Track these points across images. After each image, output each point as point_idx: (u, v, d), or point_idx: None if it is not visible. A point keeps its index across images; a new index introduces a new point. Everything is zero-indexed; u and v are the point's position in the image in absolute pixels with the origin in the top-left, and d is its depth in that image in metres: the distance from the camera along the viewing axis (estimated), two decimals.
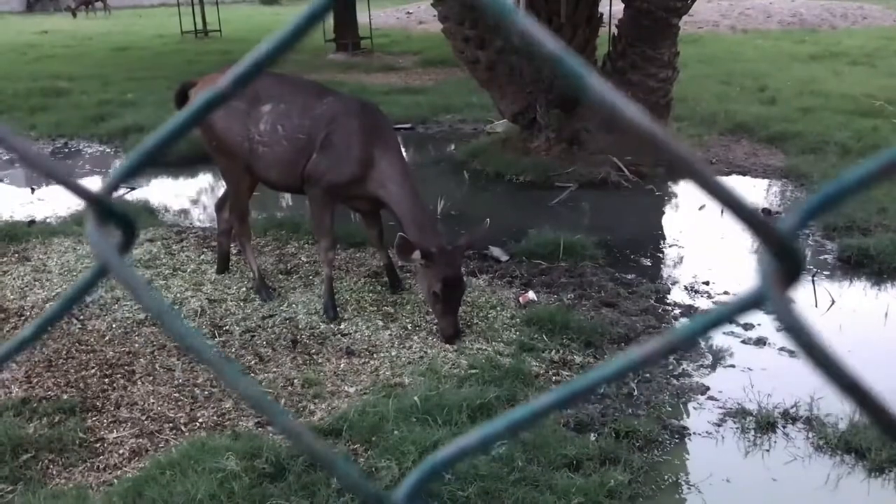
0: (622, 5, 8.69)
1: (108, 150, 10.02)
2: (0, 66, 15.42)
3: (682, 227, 7.04)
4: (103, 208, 0.48)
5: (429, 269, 4.52)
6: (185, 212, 7.53)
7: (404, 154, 5.00)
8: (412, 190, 4.72)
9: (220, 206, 5.59)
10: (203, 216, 7.41)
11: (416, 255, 4.45)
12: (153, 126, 9.56)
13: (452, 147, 9.91)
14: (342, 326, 4.87)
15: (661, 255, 6.41)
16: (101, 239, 0.48)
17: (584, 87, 0.38)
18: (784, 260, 0.37)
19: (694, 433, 3.91)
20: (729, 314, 0.40)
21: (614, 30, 9.05)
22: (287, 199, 7.80)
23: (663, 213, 7.68)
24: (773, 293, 0.37)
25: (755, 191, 7.94)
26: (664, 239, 6.79)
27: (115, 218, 0.48)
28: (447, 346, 4.62)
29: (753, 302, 0.37)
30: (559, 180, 8.03)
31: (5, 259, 5.94)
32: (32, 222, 6.86)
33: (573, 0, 8.39)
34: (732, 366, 4.53)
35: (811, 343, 0.36)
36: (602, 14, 9.09)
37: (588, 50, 8.65)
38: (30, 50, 19.43)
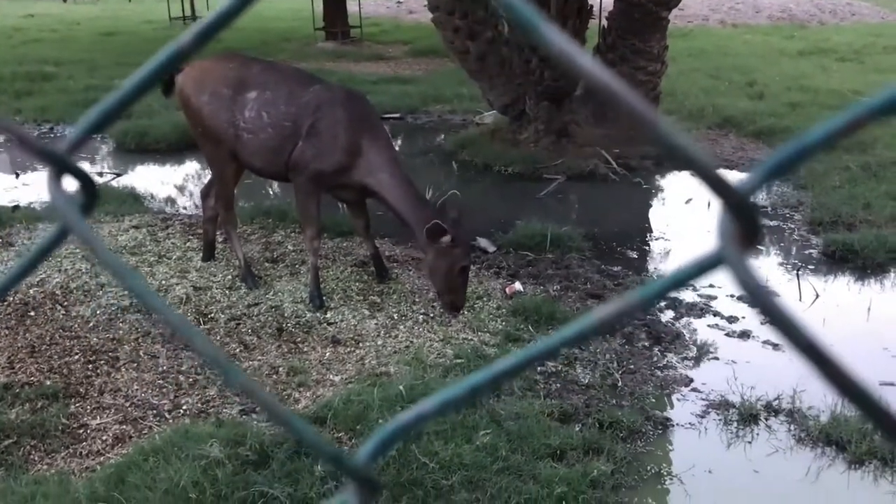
0: None
1: (94, 136, 9.92)
2: None
3: (668, 220, 7.07)
4: (64, 167, 0.47)
5: (452, 249, 4.58)
6: (170, 199, 7.48)
7: (392, 143, 5.00)
8: (404, 177, 4.73)
9: (205, 193, 5.56)
10: (189, 203, 7.37)
11: (446, 238, 4.51)
12: (141, 112, 9.52)
13: (441, 138, 9.89)
14: (328, 315, 4.87)
15: (647, 247, 6.43)
16: (62, 197, 0.47)
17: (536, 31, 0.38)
18: (742, 220, 0.37)
19: (677, 424, 3.93)
20: (688, 275, 0.40)
21: (604, 22, 9.04)
22: (274, 187, 7.77)
23: (650, 205, 7.70)
24: (731, 253, 0.37)
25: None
26: (651, 232, 6.82)
27: (77, 177, 0.47)
28: (432, 335, 4.62)
29: (713, 262, 0.37)
30: (547, 172, 8.04)
31: None
32: (17, 207, 6.81)
33: None
34: (716, 358, 4.56)
35: (768, 302, 0.36)
36: (592, 6, 9.09)
37: (578, 41, 8.64)
38: (16, 34, 19.25)
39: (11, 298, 4.98)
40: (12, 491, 3.14)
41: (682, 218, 7.02)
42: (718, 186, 0.37)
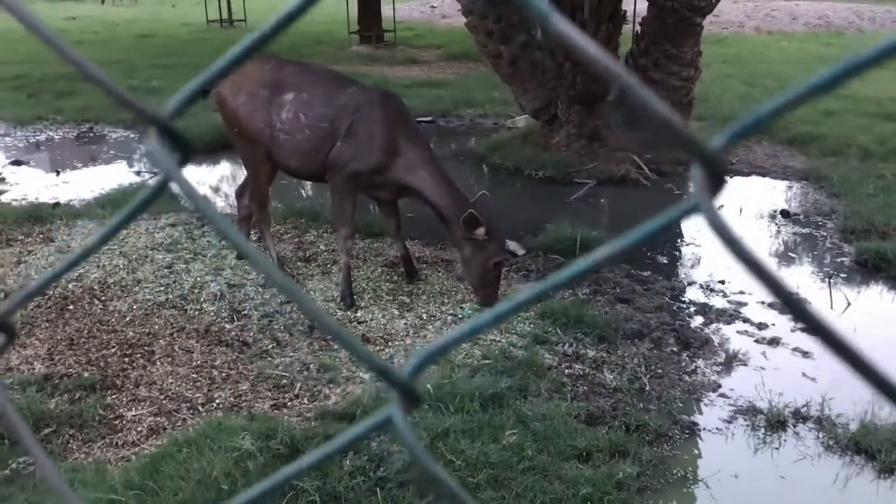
0: (646, 3, 8.68)
1: (133, 135, 10.13)
2: (28, 51, 15.59)
3: (699, 225, 7.04)
4: (166, 129, 0.54)
5: (488, 242, 4.68)
6: (206, 198, 7.60)
7: (428, 142, 5.08)
8: (442, 173, 4.82)
9: (240, 192, 5.67)
10: (224, 203, 7.49)
11: (481, 231, 4.60)
12: (180, 113, 9.72)
13: (472, 141, 9.94)
14: (358, 314, 4.94)
15: (677, 253, 6.42)
16: (164, 153, 0.53)
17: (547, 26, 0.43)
18: (711, 173, 0.43)
19: (704, 429, 3.93)
20: (669, 220, 0.46)
21: (637, 27, 9.03)
22: (307, 188, 7.87)
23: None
24: (703, 200, 0.43)
25: (774, 192, 7.92)
26: (681, 237, 6.80)
27: (175, 139, 0.54)
28: None
29: (689, 209, 0.44)
30: (578, 176, 8.05)
31: (30, 239, 6.05)
32: (57, 204, 6.97)
33: None
34: (745, 364, 4.55)
35: (734, 242, 0.42)
36: (626, 11, 9.09)
37: (611, 47, 8.65)
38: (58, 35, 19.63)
39: (51, 293, 5.11)
40: None
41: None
42: (691, 145, 0.42)
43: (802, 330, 4.94)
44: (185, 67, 13.55)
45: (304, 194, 7.81)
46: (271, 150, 4.98)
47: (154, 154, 0.54)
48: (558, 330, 4.76)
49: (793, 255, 6.42)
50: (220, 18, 22.15)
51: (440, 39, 18.57)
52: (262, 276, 5.35)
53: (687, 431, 3.92)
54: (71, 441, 3.63)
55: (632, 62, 8.81)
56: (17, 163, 8.69)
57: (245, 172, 5.58)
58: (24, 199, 7.18)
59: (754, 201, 7.48)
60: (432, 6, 26.56)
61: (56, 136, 10.13)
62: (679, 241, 6.71)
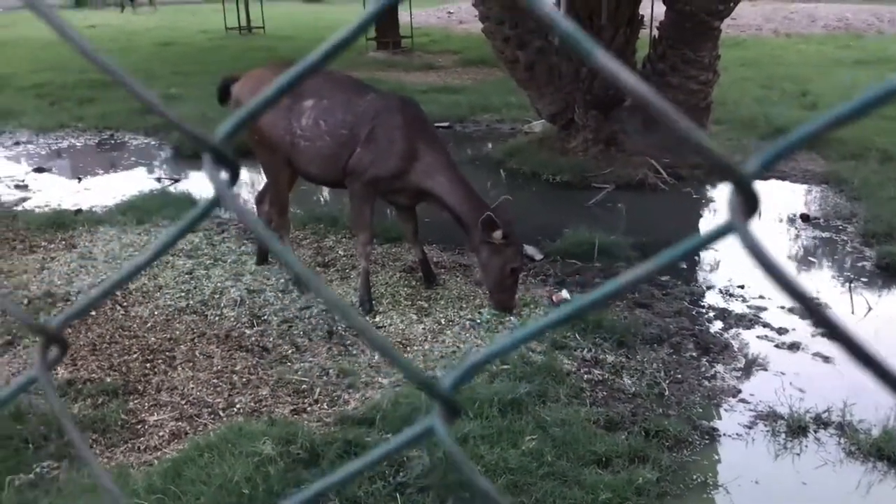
0: (664, 7, 8.67)
1: (153, 142, 10.22)
2: (50, 59, 15.78)
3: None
4: (218, 154, 0.56)
5: (505, 247, 4.74)
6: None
7: (447, 147, 5.10)
8: (460, 178, 4.86)
9: (259, 199, 5.71)
10: (246, 208, 7.53)
11: (498, 234, 4.63)
12: (199, 119, 9.78)
13: (489, 146, 9.95)
14: (377, 319, 4.95)
15: (696, 257, 6.39)
16: (217, 175, 0.56)
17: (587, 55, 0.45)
18: (746, 196, 0.44)
19: (724, 435, 3.92)
20: (705, 241, 0.47)
21: (655, 31, 9.02)
22: (325, 193, 7.91)
23: (700, 215, 7.65)
24: (738, 223, 0.44)
25: (794, 196, 7.87)
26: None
27: (226, 162, 0.57)
28: (479, 341, 4.68)
29: (724, 230, 0.45)
30: (596, 181, 8.04)
31: (53, 246, 6.12)
32: (79, 211, 7.04)
33: (614, 0, 8.40)
34: (765, 369, 4.53)
35: (769, 263, 0.43)
36: (643, 16, 9.07)
37: (628, 51, 8.65)
38: None
39: (74, 298, 5.17)
40: (75, 482, 3.28)
41: None
42: (727, 169, 0.44)
43: (823, 335, 4.92)
44: (204, 75, 13.66)
45: (322, 200, 7.85)
46: (291, 156, 5.01)
47: (209, 174, 0.56)
48: (577, 335, 4.76)
49: (813, 259, 6.38)
50: (239, 26, 22.31)
51: (457, 45, 18.62)
52: (286, 282, 5.39)
53: (707, 437, 3.90)
54: (94, 446, 3.67)
55: (649, 66, 8.79)
56: (39, 170, 8.79)
57: (264, 179, 5.62)
58: (46, 206, 7.26)
59: (774, 205, 7.44)
60: (449, 12, 26.63)
61: (77, 144, 10.24)
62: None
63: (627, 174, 8.14)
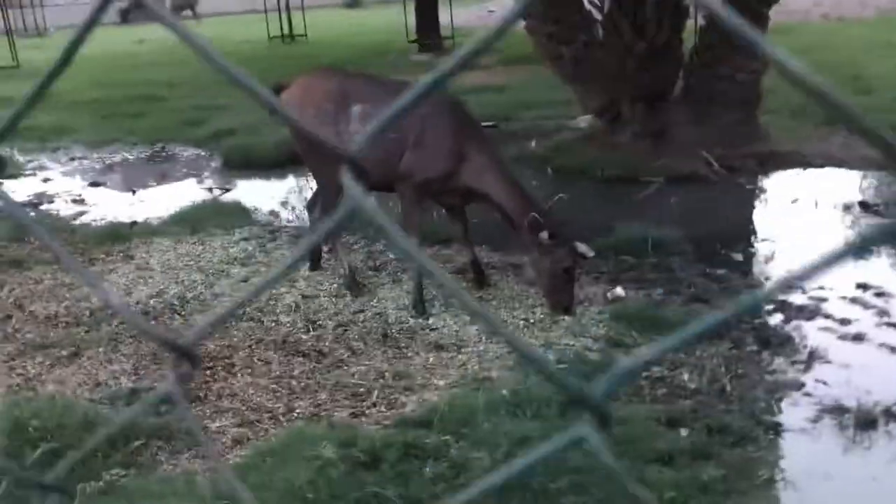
0: None
1: (203, 153, 10.38)
2: (100, 75, 16.13)
3: (773, 220, 6.88)
4: (353, 163, 0.57)
5: (556, 247, 4.67)
6: (276, 212, 7.74)
7: (496, 146, 5.07)
8: (510, 177, 4.83)
9: (311, 205, 5.76)
10: (293, 216, 7.61)
11: (544, 234, 4.57)
12: (246, 129, 9.91)
13: (535, 144, 9.90)
14: (430, 321, 4.96)
15: (752, 249, 6.28)
16: (355, 186, 0.57)
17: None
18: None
19: (789, 430, 3.83)
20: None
21: (701, 21, 8.88)
22: (373, 197, 7.95)
23: (754, 207, 7.52)
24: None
25: (852, 183, 7.68)
26: (756, 233, 6.65)
27: (358, 171, 0.57)
28: (534, 341, 4.65)
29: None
30: (645, 175, 7.94)
31: (111, 258, 6.26)
32: (134, 223, 7.19)
33: None
34: (829, 362, 4.41)
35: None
36: (688, 5, 8.94)
37: (675, 42, 8.53)
38: (127, 59, 20.29)
39: (133, 308, 5.28)
40: (144, 489, 3.34)
41: (788, 218, 6.82)
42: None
43: (888, 325, 4.79)
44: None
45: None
46: (342, 162, 5.04)
47: (347, 186, 0.57)
48: (633, 332, 4.71)
49: (873, 247, 6.20)
50: (282, 34, 22.55)
51: (499, 44, 18.50)
52: (338, 286, 5.42)
53: (771, 432, 3.82)
54: (159, 453, 3.74)
55: (696, 58, 8.66)
56: (94, 184, 9.01)
57: (314, 185, 5.67)
58: (102, 220, 7.43)
59: (831, 193, 7.27)
60: (490, 10, 26.58)
61: (130, 157, 10.46)
62: (753, 237, 6.56)
63: (677, 167, 8.02)
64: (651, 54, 8.26)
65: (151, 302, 5.34)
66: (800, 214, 6.90)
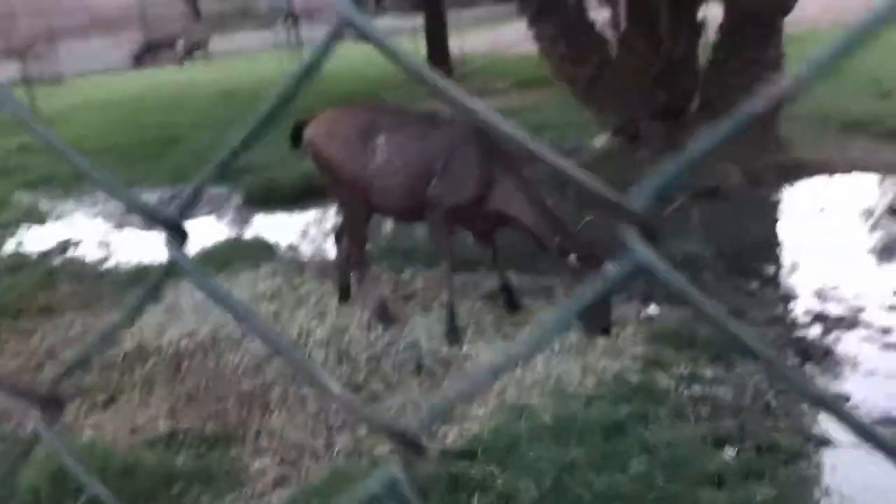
0: (720, 10, 8.52)
1: (223, 191, 10.40)
2: (114, 119, 16.32)
3: (801, 231, 6.81)
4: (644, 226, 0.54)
5: (584, 270, 4.58)
6: (301, 246, 7.74)
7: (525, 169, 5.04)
8: (541, 201, 4.79)
9: (338, 236, 5.75)
10: (319, 248, 7.61)
11: (573, 258, 4.52)
12: (267, 165, 9.96)
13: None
14: (464, 350, 4.92)
15: (783, 261, 6.21)
16: (643, 247, 0.53)
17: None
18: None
19: (840, 445, 3.74)
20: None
21: (715, 34, 8.86)
22: (397, 226, 7.93)
23: (780, 218, 7.44)
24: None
25: (877, 188, 7.59)
26: (784, 244, 6.58)
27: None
28: (571, 365, 4.59)
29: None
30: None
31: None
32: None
33: (674, 7, 8.29)
34: (873, 374, 4.34)
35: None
36: (704, 19, 8.93)
37: (691, 57, 8.51)
38: (141, 102, 20.52)
39: (166, 351, 5.27)
40: None
41: (816, 227, 6.75)
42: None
43: None
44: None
45: (397, 233, 7.87)
46: (368, 193, 5.04)
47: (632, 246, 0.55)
48: (671, 351, 4.64)
49: None
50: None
51: (509, 68, 18.61)
52: (366, 318, 5.39)
53: (822, 448, 3.74)
54: (202, 496, 3.71)
55: (712, 71, 8.63)
56: (119, 227, 9.06)
57: (341, 217, 5.67)
58: (129, 263, 7.45)
59: (856, 199, 7.19)
60: (498, 35, 26.71)
61: (152, 198, 10.51)
62: (782, 248, 6.49)
63: (700, 181, 7.96)
64: (667, 71, 8.24)
65: (184, 343, 5.32)
66: (827, 222, 6.82)
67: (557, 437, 3.70)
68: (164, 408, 4.55)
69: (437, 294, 5.49)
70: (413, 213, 5.07)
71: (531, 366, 4.64)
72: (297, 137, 5.42)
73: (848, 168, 8.19)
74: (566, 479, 3.40)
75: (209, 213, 9.55)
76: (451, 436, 3.99)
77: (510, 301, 5.35)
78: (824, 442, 3.77)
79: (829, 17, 21.20)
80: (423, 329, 5.21)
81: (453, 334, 4.99)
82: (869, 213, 6.96)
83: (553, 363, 4.65)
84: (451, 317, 5.04)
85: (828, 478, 3.54)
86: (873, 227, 6.67)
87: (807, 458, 3.65)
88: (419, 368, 4.74)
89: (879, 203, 7.12)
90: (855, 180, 7.93)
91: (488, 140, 4.92)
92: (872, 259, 6.09)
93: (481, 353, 4.86)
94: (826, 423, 3.92)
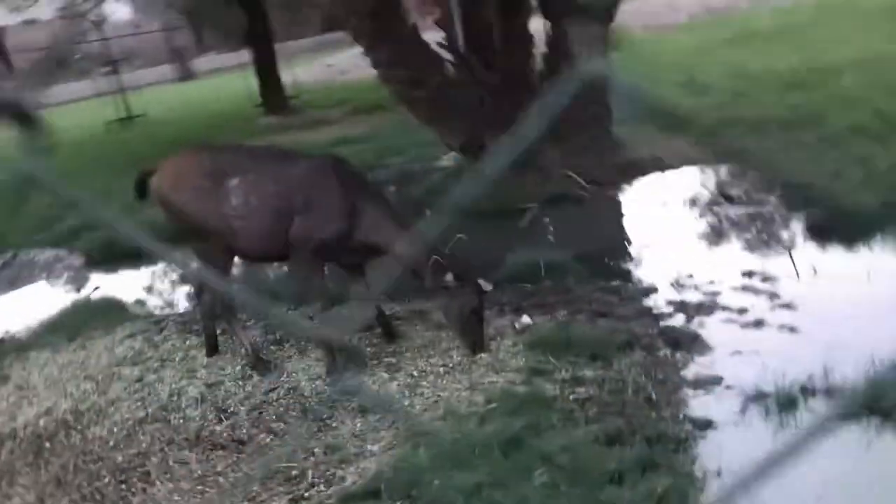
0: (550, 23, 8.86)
1: (61, 253, 9.72)
2: None
3: (649, 224, 7.15)
4: None
5: (461, 288, 4.65)
6: (157, 302, 7.36)
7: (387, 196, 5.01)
8: (408, 226, 4.77)
9: (199, 289, 5.50)
10: (176, 301, 7.26)
11: (449, 276, 4.52)
12: (105, 220, 9.36)
13: (408, 189, 9.91)
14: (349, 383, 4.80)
15: (639, 256, 6.49)
16: None
17: None
18: None
19: (722, 424, 3.93)
20: None
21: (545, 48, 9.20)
22: (258, 271, 7.69)
23: (629, 215, 7.80)
24: None
25: (710, 178, 8.11)
26: (637, 240, 6.89)
27: None
28: (458, 385, 4.59)
29: None
30: (521, 202, 8.08)
31: None
32: (1, 341, 6.64)
33: (505, 22, 8.54)
34: (739, 352, 4.58)
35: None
36: (532, 34, 9.24)
37: (527, 70, 8.79)
38: None
39: (22, 433, 4.84)
40: None
41: (663, 220, 7.12)
42: None
43: (781, 306, 5.04)
44: (96, 173, 13.03)
45: (256, 276, 7.62)
46: (228, 240, 4.84)
47: None
48: (551, 357, 4.72)
49: (748, 235, 6.55)
50: (120, 118, 21.56)
51: (346, 95, 18.59)
52: (243, 367, 5.17)
53: (706, 430, 3.91)
54: None
55: (546, 84, 8.95)
56: None
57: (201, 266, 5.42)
58: None
59: (693, 190, 7.66)
60: (328, 64, 26.68)
61: None
62: (636, 243, 6.80)
63: (549, 189, 8.22)
64: (505, 85, 8.47)
65: (41, 422, 4.90)
66: (672, 215, 7.21)
67: (459, 462, 3.67)
68: (30, 497, 4.16)
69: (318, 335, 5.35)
70: (278, 254, 4.92)
71: (418, 392, 4.61)
72: (142, 188, 5.14)
73: (680, 162, 8.70)
74: (474, 502, 3.38)
75: (43, 277, 8.91)
76: (350, 477, 3.87)
77: (388, 330, 5.29)
78: (706, 424, 3.94)
79: (639, 21, 22.54)
80: (302, 371, 5.06)
81: (334, 371, 4.86)
82: (699, 202, 7.42)
83: (440, 386, 4.63)
84: (330, 353, 4.92)
85: (717, 459, 3.69)
86: (703, 215, 7.12)
87: (694, 443, 3.80)
88: (305, 412, 4.59)
89: (706, 192, 7.61)
90: (688, 173, 8.43)
91: (347, 171, 4.86)
92: (713, 244, 6.49)
93: (366, 385, 4.77)
94: (705, 407, 4.11)
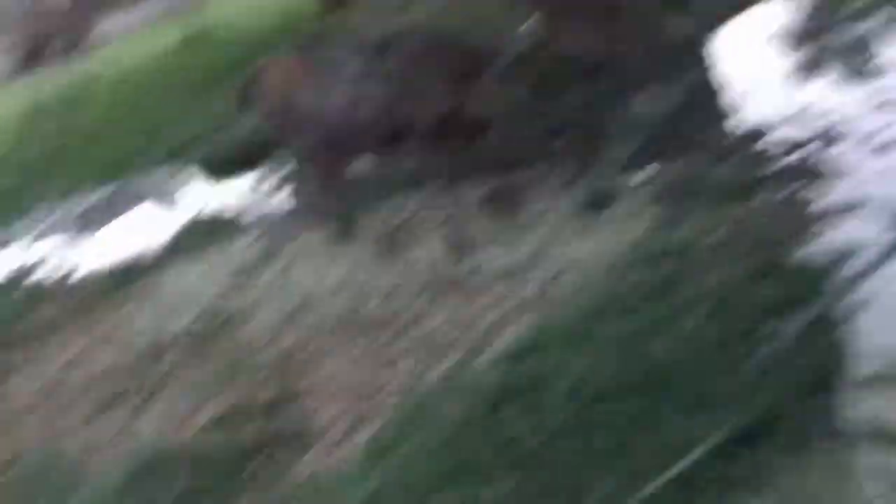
0: None
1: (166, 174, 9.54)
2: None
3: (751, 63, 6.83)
4: None
5: None
6: (267, 208, 7.42)
7: None
8: None
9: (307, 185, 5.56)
10: (283, 206, 7.31)
11: None
12: None
13: None
14: None
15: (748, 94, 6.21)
16: None
17: None
18: None
19: (870, 245, 3.78)
20: None
21: None
22: None
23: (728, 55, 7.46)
24: None
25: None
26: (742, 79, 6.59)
27: None
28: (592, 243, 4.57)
29: None
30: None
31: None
32: (132, 263, 6.89)
33: None
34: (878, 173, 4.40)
35: None
36: None
37: None
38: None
39: (178, 340, 5.09)
40: None
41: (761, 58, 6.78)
42: None
43: None
44: None
45: None
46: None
47: None
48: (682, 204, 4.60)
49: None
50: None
51: None
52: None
53: (851, 254, 3.77)
54: None
55: None
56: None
57: None
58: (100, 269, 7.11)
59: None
60: None
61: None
62: (741, 83, 6.50)
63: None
64: None
65: (194, 328, 5.12)
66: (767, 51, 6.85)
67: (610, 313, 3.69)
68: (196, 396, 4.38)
69: None
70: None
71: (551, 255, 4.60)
72: (245, 97, 5.17)
73: None
74: None
75: (156, 199, 9.01)
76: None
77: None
78: (853, 248, 3.81)
79: None
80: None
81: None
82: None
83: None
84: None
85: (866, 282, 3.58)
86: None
87: (841, 269, 3.70)
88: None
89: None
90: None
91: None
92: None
93: None
94: (852, 231, 3.99)
